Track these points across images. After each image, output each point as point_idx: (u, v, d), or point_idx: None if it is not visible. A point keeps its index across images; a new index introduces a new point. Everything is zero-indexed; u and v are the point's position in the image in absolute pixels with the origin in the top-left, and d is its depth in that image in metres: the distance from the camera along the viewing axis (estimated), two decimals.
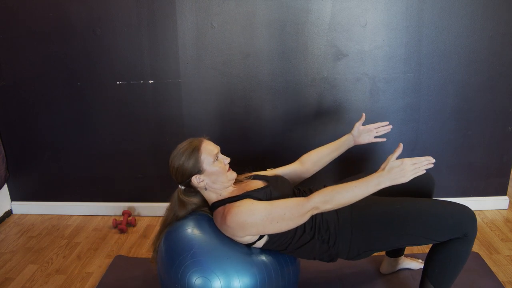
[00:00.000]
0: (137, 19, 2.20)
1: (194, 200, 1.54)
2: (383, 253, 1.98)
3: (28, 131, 2.46)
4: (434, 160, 1.34)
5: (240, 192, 1.48)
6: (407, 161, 1.33)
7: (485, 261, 1.99)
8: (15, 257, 2.18)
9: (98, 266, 2.08)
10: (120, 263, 2.07)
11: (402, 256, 1.90)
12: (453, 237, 1.43)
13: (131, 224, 2.45)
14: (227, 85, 2.30)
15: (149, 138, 2.42)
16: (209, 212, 1.55)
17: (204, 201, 1.56)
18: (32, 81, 2.35)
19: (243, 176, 1.63)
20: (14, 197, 2.63)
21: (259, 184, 1.55)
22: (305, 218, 1.38)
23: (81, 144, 2.45)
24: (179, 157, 1.44)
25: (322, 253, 1.50)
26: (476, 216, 2.43)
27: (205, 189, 1.48)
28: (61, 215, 2.61)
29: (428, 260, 1.52)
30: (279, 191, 1.50)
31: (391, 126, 1.73)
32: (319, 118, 2.35)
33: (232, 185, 1.53)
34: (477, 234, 2.25)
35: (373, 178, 1.34)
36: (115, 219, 2.41)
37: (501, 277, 1.89)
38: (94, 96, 2.35)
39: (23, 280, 1.99)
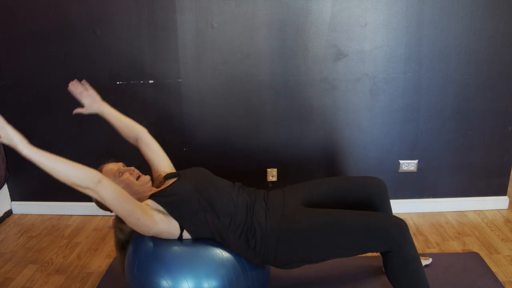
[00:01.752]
0: (137, 19, 2.20)
1: (128, 228, 1.60)
2: None
3: (28, 131, 2.45)
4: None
5: None
6: None
7: (485, 261, 1.99)
8: (15, 257, 2.18)
9: (98, 266, 2.08)
10: None
11: None
12: (385, 248, 1.44)
13: None
14: (227, 85, 2.29)
15: None
16: None
17: None
18: (32, 81, 2.35)
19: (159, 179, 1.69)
20: (14, 197, 2.63)
21: (169, 182, 1.62)
22: (99, 187, 1.45)
23: (81, 144, 2.45)
24: None
25: (250, 257, 1.53)
26: (476, 216, 2.45)
27: None
28: (61, 215, 2.60)
29: (392, 283, 1.52)
30: (189, 181, 1.56)
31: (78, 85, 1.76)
32: (319, 118, 2.35)
33: (154, 189, 1.61)
34: (477, 234, 2.26)
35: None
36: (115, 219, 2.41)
37: (501, 277, 1.89)
38: None
39: (23, 280, 1.99)
